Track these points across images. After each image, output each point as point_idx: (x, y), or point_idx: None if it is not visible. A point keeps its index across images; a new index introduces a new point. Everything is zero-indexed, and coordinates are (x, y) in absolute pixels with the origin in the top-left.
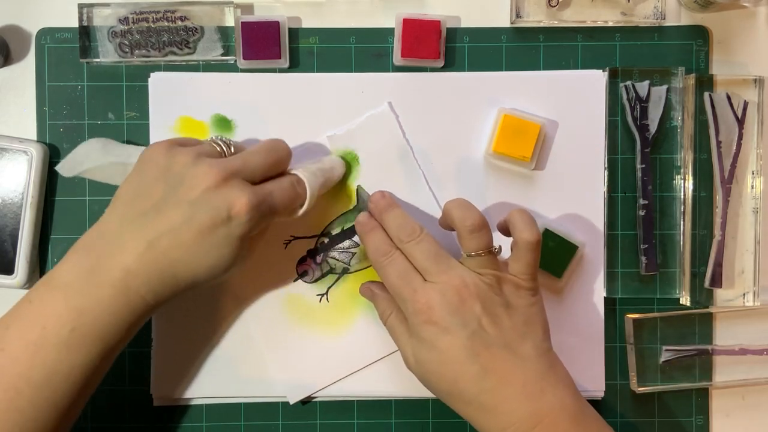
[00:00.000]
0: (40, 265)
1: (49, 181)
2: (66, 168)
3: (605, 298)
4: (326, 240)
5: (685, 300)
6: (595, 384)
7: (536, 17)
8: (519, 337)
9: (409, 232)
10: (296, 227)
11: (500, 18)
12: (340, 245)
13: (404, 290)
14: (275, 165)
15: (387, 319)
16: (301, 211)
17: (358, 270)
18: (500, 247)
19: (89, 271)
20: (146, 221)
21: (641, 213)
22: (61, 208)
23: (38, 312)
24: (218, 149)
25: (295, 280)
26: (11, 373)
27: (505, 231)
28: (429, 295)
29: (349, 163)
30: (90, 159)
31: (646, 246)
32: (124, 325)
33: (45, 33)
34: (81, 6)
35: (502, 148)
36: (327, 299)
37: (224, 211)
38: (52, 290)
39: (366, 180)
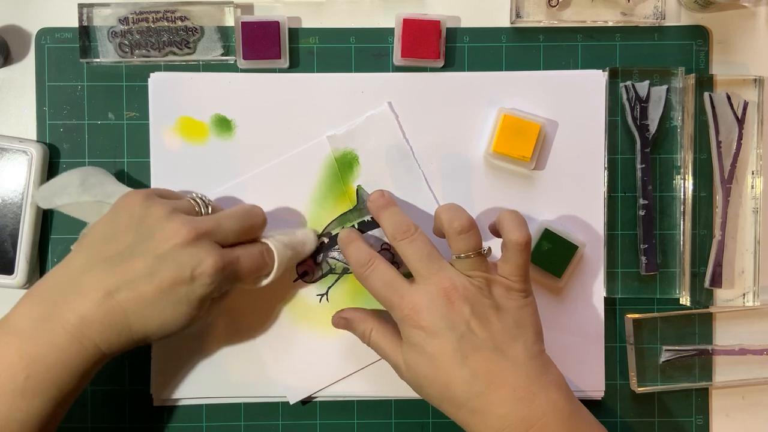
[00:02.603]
0: (40, 265)
1: None
2: (41, 198)
3: (605, 298)
4: (326, 240)
5: (685, 300)
6: (594, 384)
7: (536, 17)
8: (509, 340)
9: (404, 230)
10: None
11: (500, 18)
12: None
13: (392, 298)
14: (248, 231)
15: (369, 338)
16: (265, 282)
17: None
18: (489, 248)
19: (44, 317)
20: (109, 268)
21: (641, 213)
22: None
23: None
24: (196, 208)
25: (295, 280)
26: None
27: (496, 232)
28: (416, 300)
29: (350, 164)
30: (67, 194)
31: (646, 246)
32: (79, 372)
33: (45, 33)
34: (81, 6)
35: (502, 148)
36: (327, 299)
37: (188, 270)
38: (6, 336)
39: (366, 180)
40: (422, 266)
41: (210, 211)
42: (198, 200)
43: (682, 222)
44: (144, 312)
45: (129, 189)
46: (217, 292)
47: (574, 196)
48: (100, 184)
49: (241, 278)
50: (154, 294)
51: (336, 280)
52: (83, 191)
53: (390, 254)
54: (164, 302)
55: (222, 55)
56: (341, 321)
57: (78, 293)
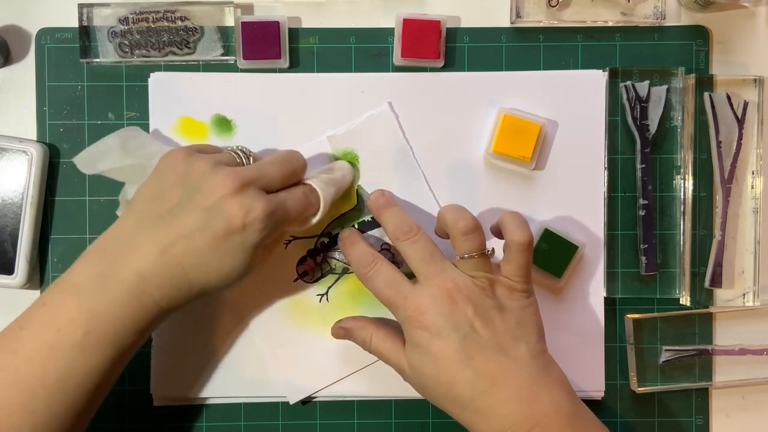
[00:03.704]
0: (40, 265)
1: (49, 181)
2: (83, 163)
3: (605, 298)
4: (326, 240)
5: (685, 300)
6: (595, 384)
7: (536, 17)
8: (512, 340)
9: (406, 231)
10: None
11: (500, 18)
12: None
13: (395, 298)
14: (291, 176)
15: (370, 345)
16: (314, 220)
17: None
18: (493, 249)
19: (103, 274)
20: (161, 226)
21: (641, 213)
22: (61, 208)
23: (52, 314)
24: (237, 159)
25: (295, 280)
26: (26, 375)
27: (498, 233)
28: (420, 301)
29: (354, 165)
30: (109, 158)
31: (646, 246)
32: (137, 328)
33: (45, 33)
34: (81, 6)
35: (502, 148)
36: (327, 299)
37: (239, 219)
38: (65, 293)
39: (366, 180)
40: (425, 267)
41: (251, 162)
42: (239, 152)
43: (682, 222)
44: (201, 264)
45: (169, 147)
46: (269, 238)
47: (574, 196)
48: (140, 147)
49: (290, 220)
50: (209, 246)
51: (336, 280)
52: (125, 155)
53: (390, 254)
54: (220, 253)
55: (222, 55)
56: (340, 331)
57: (134, 250)
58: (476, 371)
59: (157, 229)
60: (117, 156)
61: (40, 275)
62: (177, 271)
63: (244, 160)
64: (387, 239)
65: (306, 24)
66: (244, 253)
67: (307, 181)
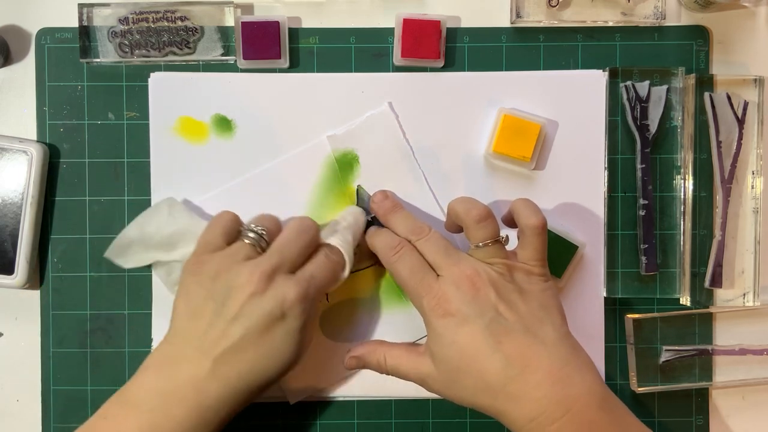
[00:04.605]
0: (40, 265)
1: (49, 181)
2: (115, 256)
3: (605, 298)
4: None
5: (685, 300)
6: None
7: (536, 17)
8: (538, 322)
9: (417, 231)
10: None
11: (500, 18)
12: None
13: (419, 286)
14: (309, 245)
15: (386, 365)
16: (344, 276)
17: (358, 270)
18: (507, 236)
19: (162, 390)
20: (207, 341)
21: (641, 213)
22: (61, 208)
23: (114, 428)
24: (254, 246)
25: None
26: None
27: (510, 222)
28: (443, 289)
29: (350, 164)
30: (133, 255)
31: (646, 246)
32: None
33: (45, 33)
34: (81, 6)
35: (502, 148)
36: (327, 299)
37: (277, 311)
38: (126, 407)
39: (366, 180)
40: (442, 259)
41: (267, 240)
42: (254, 234)
43: (682, 222)
44: (256, 365)
45: (184, 213)
46: (311, 315)
47: (574, 196)
48: (158, 230)
49: (324, 290)
50: (257, 347)
51: None
52: (147, 248)
53: None
54: (269, 348)
55: (222, 55)
56: (353, 361)
57: (189, 367)
58: (506, 356)
59: (203, 344)
60: (140, 251)
61: (40, 275)
62: (234, 380)
63: (261, 245)
64: None
65: (306, 24)
66: (292, 339)
67: (326, 241)
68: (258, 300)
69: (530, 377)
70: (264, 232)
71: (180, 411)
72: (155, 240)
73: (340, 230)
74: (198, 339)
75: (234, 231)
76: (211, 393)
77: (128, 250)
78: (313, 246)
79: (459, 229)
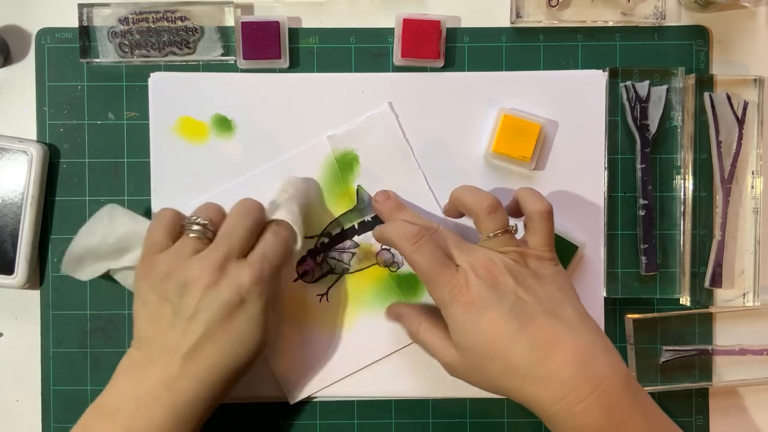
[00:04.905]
0: (40, 265)
1: (49, 181)
2: (70, 269)
3: (605, 298)
4: (326, 240)
5: (685, 300)
6: None
7: (536, 17)
8: (558, 304)
9: (428, 230)
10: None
11: (500, 18)
12: (340, 245)
13: (439, 276)
14: (255, 227)
15: (417, 334)
16: (298, 247)
17: (358, 270)
18: (516, 226)
19: (136, 394)
20: (171, 341)
21: (641, 213)
22: (61, 208)
23: None
24: (200, 239)
25: (295, 280)
26: None
27: (514, 212)
28: (463, 278)
29: (350, 164)
30: (88, 265)
31: (646, 246)
32: None
33: (45, 33)
34: (81, 6)
35: (502, 148)
36: (327, 299)
37: (235, 298)
38: (103, 416)
39: (366, 180)
40: (456, 251)
41: (212, 230)
42: (197, 226)
43: (682, 222)
44: (225, 354)
45: (126, 218)
46: (271, 294)
47: (574, 196)
48: (106, 237)
49: (280, 266)
50: (222, 337)
51: (336, 280)
52: (99, 257)
53: (390, 254)
54: (235, 336)
55: (222, 55)
56: (393, 313)
57: (158, 368)
58: (531, 338)
59: (168, 345)
60: (92, 262)
61: (40, 275)
62: (206, 374)
63: (208, 235)
64: None
65: (306, 24)
66: (255, 323)
67: (272, 217)
68: (214, 292)
69: (556, 358)
70: (207, 222)
71: (157, 412)
72: (102, 249)
73: (284, 203)
74: (162, 341)
75: (177, 227)
76: (185, 391)
77: (80, 263)
78: (261, 226)
79: (459, 215)
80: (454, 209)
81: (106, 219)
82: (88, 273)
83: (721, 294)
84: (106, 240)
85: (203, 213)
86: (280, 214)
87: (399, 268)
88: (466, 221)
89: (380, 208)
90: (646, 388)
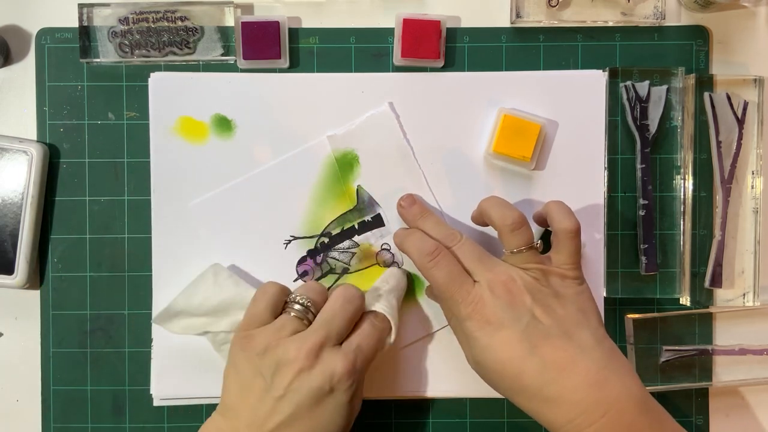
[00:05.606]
0: (40, 265)
1: (49, 181)
2: (162, 319)
3: (605, 298)
4: (326, 240)
5: (685, 300)
6: None
7: (536, 17)
8: (574, 326)
9: (450, 239)
10: (296, 227)
11: (500, 18)
12: (340, 245)
13: (457, 292)
14: (354, 316)
15: (451, 318)
16: (391, 341)
17: (358, 270)
18: (541, 242)
19: None
20: (258, 416)
21: (641, 213)
22: (61, 208)
23: None
24: (301, 319)
25: (295, 280)
26: None
27: (541, 222)
28: (480, 294)
29: (350, 164)
30: (184, 323)
31: (646, 246)
32: None
33: (45, 33)
34: (81, 6)
35: (502, 148)
36: None
37: (326, 386)
38: None
39: (366, 180)
40: (477, 266)
41: (314, 311)
42: (300, 306)
43: (682, 222)
44: None
45: (228, 283)
46: (358, 386)
47: (574, 196)
48: (204, 301)
49: (371, 359)
50: (307, 421)
51: (336, 280)
52: (196, 317)
53: (391, 254)
54: (320, 423)
55: (222, 55)
56: (432, 293)
57: None
58: (542, 359)
59: (255, 420)
60: (188, 320)
61: (40, 275)
62: None
63: (308, 317)
64: (386, 239)
65: (306, 24)
66: (341, 412)
67: (371, 308)
68: (306, 376)
69: (567, 381)
70: (309, 304)
71: None
72: (202, 310)
73: (384, 294)
74: (249, 415)
75: (280, 303)
76: None
77: (175, 318)
78: (359, 315)
79: (486, 224)
80: (481, 218)
81: (211, 279)
82: (180, 328)
83: (721, 294)
84: (208, 301)
85: (306, 292)
86: (379, 306)
87: (399, 268)
88: (492, 230)
89: (404, 214)
90: (646, 388)
